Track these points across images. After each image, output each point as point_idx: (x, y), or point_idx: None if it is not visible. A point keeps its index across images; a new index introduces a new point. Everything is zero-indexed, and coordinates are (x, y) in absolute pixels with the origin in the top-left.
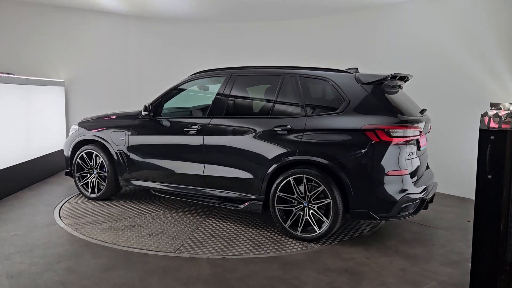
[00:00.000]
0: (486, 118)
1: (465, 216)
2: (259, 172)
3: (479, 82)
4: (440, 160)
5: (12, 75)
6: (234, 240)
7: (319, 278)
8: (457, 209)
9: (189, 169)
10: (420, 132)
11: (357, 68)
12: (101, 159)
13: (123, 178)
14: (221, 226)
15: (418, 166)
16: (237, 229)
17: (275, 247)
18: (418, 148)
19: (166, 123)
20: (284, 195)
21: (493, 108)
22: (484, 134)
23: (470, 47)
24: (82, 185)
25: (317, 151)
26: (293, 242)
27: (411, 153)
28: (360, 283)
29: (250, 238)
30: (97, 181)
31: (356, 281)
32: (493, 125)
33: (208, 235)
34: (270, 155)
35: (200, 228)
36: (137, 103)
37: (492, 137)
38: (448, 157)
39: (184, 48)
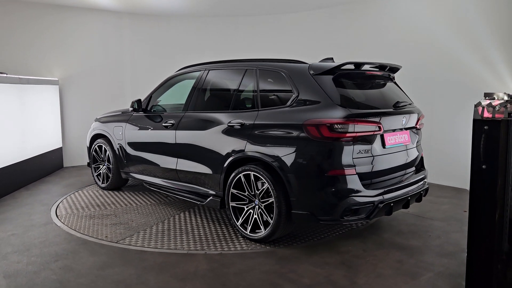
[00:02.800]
0: (480, 108)
1: (462, 207)
2: (217, 167)
3: (473, 72)
4: (436, 151)
5: (5, 75)
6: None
7: (316, 271)
8: (454, 200)
9: (167, 164)
10: (380, 128)
11: (332, 58)
12: (108, 152)
13: (123, 171)
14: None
15: (379, 166)
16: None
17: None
18: (383, 145)
19: (151, 118)
20: (236, 192)
21: (487, 98)
22: (478, 124)
23: (464, 37)
24: (96, 175)
25: (261, 148)
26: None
27: (364, 151)
28: (357, 275)
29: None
30: (106, 173)
31: (353, 274)
32: (487, 115)
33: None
34: (224, 151)
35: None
36: (131, 99)
37: (486, 127)
38: (444, 148)
39: (178, 44)
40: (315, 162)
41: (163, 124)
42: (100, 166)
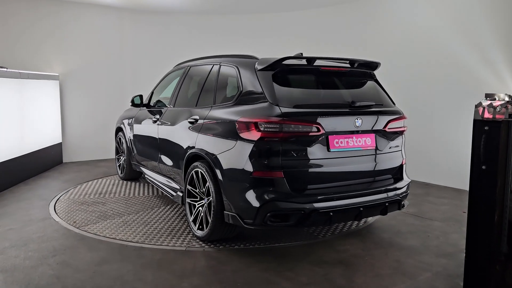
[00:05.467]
0: (481, 109)
1: (461, 207)
2: (180, 163)
3: (474, 73)
4: (436, 151)
5: (5, 69)
6: None
7: (313, 270)
8: (454, 200)
9: (153, 157)
10: (319, 129)
11: (301, 53)
12: (123, 144)
13: (132, 162)
14: None
15: (319, 171)
16: None
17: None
18: (328, 149)
19: (148, 113)
20: (191, 189)
21: (488, 98)
22: (479, 124)
23: (465, 37)
24: (117, 166)
25: (205, 145)
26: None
27: (298, 154)
28: (354, 275)
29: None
30: (123, 164)
31: (351, 273)
32: (487, 115)
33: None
34: (184, 147)
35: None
36: (131, 95)
37: (486, 128)
38: (444, 148)
39: (179, 41)
40: (242, 162)
41: (152, 119)
42: (121, 157)
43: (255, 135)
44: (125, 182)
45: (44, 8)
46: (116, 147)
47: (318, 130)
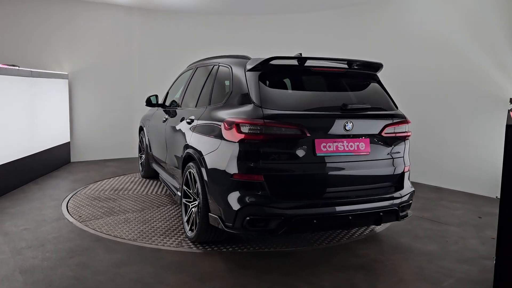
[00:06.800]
0: None
1: (476, 212)
2: (179, 163)
3: (488, 77)
4: (449, 156)
5: (17, 67)
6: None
7: (336, 275)
8: (467, 205)
9: (162, 156)
10: (303, 131)
11: (301, 54)
12: (144, 143)
13: (150, 161)
14: None
15: (303, 176)
16: None
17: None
18: (314, 153)
19: (161, 113)
20: (186, 189)
21: None
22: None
23: (481, 41)
24: (139, 164)
25: (196, 144)
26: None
27: (280, 157)
28: (377, 280)
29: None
30: (144, 162)
31: (373, 278)
32: None
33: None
34: (181, 147)
35: None
36: (140, 95)
37: None
38: (457, 152)
39: (188, 40)
40: (224, 163)
41: (162, 119)
42: (142, 156)
43: (237, 136)
44: (143, 180)
45: (55, 7)
46: (139, 145)
47: (302, 133)
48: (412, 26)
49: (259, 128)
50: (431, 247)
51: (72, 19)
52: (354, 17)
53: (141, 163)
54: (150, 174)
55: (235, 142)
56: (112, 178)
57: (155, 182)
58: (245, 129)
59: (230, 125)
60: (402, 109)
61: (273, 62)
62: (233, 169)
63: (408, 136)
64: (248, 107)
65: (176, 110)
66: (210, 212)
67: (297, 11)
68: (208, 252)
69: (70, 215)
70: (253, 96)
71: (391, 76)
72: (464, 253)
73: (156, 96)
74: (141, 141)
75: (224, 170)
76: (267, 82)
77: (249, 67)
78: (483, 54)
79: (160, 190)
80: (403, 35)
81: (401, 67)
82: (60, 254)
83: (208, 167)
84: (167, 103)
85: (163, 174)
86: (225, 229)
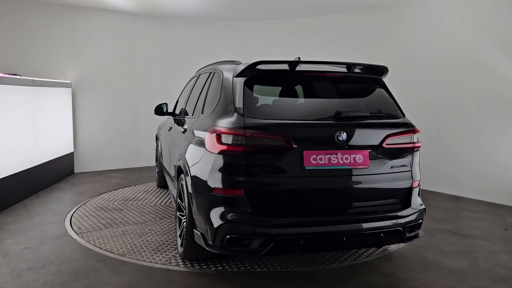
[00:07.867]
0: None
1: (500, 223)
2: (174, 174)
3: (505, 80)
4: (467, 164)
5: (19, 76)
6: None
7: None
8: (489, 215)
9: (167, 165)
10: (289, 143)
11: (299, 58)
12: (158, 152)
13: (163, 170)
14: None
15: (289, 191)
16: None
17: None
18: (302, 166)
19: (170, 122)
20: (180, 203)
21: None
22: None
23: (497, 44)
24: (156, 172)
25: (186, 156)
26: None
27: (264, 170)
28: None
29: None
30: (159, 171)
31: None
32: None
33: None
34: (176, 158)
35: None
36: (145, 103)
37: None
38: (475, 160)
39: (192, 47)
40: (205, 176)
41: (168, 128)
42: (158, 165)
43: (217, 147)
44: (158, 189)
45: (57, 14)
46: (155, 154)
47: (288, 144)
48: (426, 30)
49: (239, 138)
50: (461, 264)
51: (75, 27)
52: (370, 20)
53: (157, 172)
54: (165, 184)
55: (216, 154)
56: (127, 187)
57: (168, 192)
58: (225, 139)
59: (212, 135)
60: (417, 117)
61: (262, 67)
62: (213, 182)
63: (417, 147)
64: (230, 116)
65: (180, 119)
66: (195, 228)
67: (304, 15)
68: (219, 272)
69: (74, 231)
70: (237, 103)
71: (404, 82)
72: (496, 270)
73: (166, 104)
74: (156, 150)
75: (206, 183)
76: (254, 89)
77: (236, 72)
78: (501, 59)
79: (170, 201)
80: (416, 39)
81: (414, 74)
82: (63, 277)
83: (192, 180)
84: (177, 111)
85: (169, 185)
86: (206, 247)
